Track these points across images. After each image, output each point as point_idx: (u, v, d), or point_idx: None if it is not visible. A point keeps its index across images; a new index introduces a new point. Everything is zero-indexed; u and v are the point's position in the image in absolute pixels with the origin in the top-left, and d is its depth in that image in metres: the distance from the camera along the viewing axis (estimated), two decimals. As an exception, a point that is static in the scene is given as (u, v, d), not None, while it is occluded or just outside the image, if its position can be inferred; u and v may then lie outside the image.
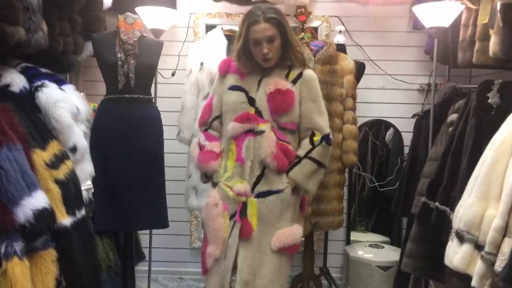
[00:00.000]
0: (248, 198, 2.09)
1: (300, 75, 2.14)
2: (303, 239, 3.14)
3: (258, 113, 2.11)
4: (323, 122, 2.15)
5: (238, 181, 2.11)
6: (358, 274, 3.26)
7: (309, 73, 2.17)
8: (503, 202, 1.56)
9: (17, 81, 2.09)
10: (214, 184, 2.21)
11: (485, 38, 2.28)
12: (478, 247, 1.65)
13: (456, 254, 1.74)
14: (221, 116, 2.22)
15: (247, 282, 2.05)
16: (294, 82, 2.13)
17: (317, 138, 2.12)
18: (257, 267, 2.06)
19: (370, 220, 3.93)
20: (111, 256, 2.44)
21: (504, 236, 1.55)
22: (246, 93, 2.14)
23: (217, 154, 2.19)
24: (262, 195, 2.09)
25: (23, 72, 2.17)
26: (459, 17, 2.62)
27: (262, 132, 2.09)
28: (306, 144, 2.14)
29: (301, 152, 2.13)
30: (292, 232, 2.10)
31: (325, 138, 2.14)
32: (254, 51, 2.09)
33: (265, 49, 2.05)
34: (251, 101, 2.13)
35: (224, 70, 2.23)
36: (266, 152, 2.07)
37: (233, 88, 2.17)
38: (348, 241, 3.58)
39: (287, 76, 2.14)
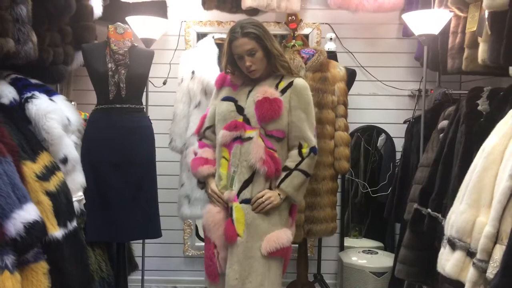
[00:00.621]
0: (233, 203, 2.11)
1: (290, 84, 2.17)
2: (297, 245, 3.15)
3: (246, 120, 2.15)
4: (311, 133, 2.20)
5: (229, 188, 2.15)
6: (352, 280, 3.26)
7: (300, 82, 2.19)
8: (494, 209, 1.56)
9: (6, 92, 2.09)
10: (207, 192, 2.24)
11: (474, 45, 2.30)
12: (470, 254, 1.65)
13: (448, 261, 1.74)
14: (214, 126, 2.27)
15: (236, 287, 2.07)
16: (283, 91, 2.16)
17: (305, 150, 2.16)
18: (245, 272, 2.07)
19: (363, 226, 3.94)
20: (104, 267, 2.42)
21: (495, 243, 1.55)
22: (235, 102, 2.19)
23: (205, 160, 2.24)
24: (248, 201, 2.11)
25: (13, 83, 2.16)
26: (448, 24, 2.64)
27: (249, 138, 2.12)
28: (295, 155, 2.17)
29: (290, 164, 2.16)
30: (279, 236, 2.11)
31: (313, 150, 2.19)
32: (240, 64, 2.17)
33: (247, 62, 2.12)
34: (240, 110, 2.17)
35: (220, 84, 2.32)
36: (255, 158, 2.09)
37: (225, 99, 2.24)
38: (341, 247, 3.59)
39: (277, 85, 2.18)
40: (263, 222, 2.11)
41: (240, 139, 2.13)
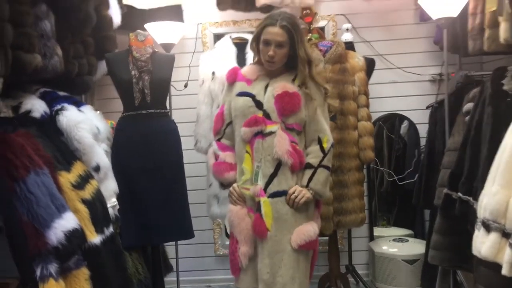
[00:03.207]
0: (261, 198, 2.14)
1: (305, 80, 2.19)
2: (327, 238, 3.17)
3: (266, 115, 2.16)
4: (328, 129, 2.23)
5: (254, 183, 2.17)
6: (384, 269, 3.26)
7: (314, 79, 2.21)
8: (528, 188, 1.56)
9: (37, 106, 2.14)
10: None
11: (495, 25, 2.28)
12: (506, 235, 1.65)
13: (483, 244, 1.73)
14: (232, 122, 2.28)
15: (267, 281, 2.11)
16: (300, 86, 2.18)
17: (326, 146, 2.19)
18: (275, 266, 2.11)
19: (391, 215, 3.93)
20: (141, 270, 2.48)
21: (531, 223, 1.55)
22: (253, 97, 2.20)
23: (230, 165, 2.26)
24: (276, 194, 2.13)
25: (42, 97, 2.21)
26: (466, 6, 2.62)
27: (271, 133, 2.14)
28: (316, 151, 2.19)
29: (314, 161, 2.18)
30: (307, 229, 2.14)
31: (332, 145, 2.23)
32: (262, 49, 2.17)
33: (272, 51, 2.12)
34: (259, 105, 2.18)
35: (232, 79, 2.30)
36: (282, 150, 2.11)
37: (241, 94, 2.24)
38: (371, 237, 3.59)
39: (293, 80, 2.20)
40: (291, 216, 2.14)
41: (261, 134, 2.15)
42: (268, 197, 2.14)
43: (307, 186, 2.16)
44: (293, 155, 2.12)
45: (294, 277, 2.12)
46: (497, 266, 1.66)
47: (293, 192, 2.13)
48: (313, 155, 2.19)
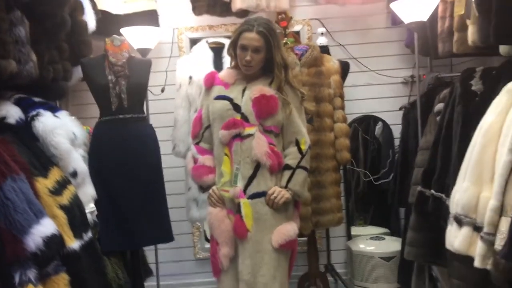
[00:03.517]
0: (241, 199, 2.17)
1: (282, 84, 2.24)
2: (305, 238, 3.21)
3: (244, 118, 2.20)
4: (305, 130, 2.29)
5: (233, 185, 2.20)
6: (362, 267, 3.33)
7: (290, 83, 2.26)
8: (497, 183, 1.62)
9: (12, 112, 2.11)
10: None
11: (463, 28, 2.35)
12: (477, 228, 1.70)
13: (456, 238, 1.79)
14: (210, 126, 2.31)
15: (248, 282, 2.14)
16: (277, 90, 2.22)
17: (304, 147, 2.24)
18: (256, 266, 2.14)
19: (368, 214, 4.00)
20: (120, 274, 2.47)
21: (500, 216, 1.60)
22: (231, 100, 2.23)
23: (209, 168, 2.29)
24: (255, 196, 2.17)
25: (17, 103, 2.19)
26: (436, 10, 2.70)
27: (249, 135, 2.18)
28: (295, 152, 2.24)
29: (292, 162, 2.23)
30: (287, 229, 2.19)
31: (309, 146, 2.29)
32: (239, 55, 2.21)
33: (249, 56, 2.17)
34: (237, 108, 2.22)
35: (209, 83, 2.34)
36: (260, 152, 2.15)
37: (219, 97, 2.27)
38: (349, 236, 3.65)
39: (270, 84, 2.25)
40: (271, 217, 2.18)
41: (240, 137, 2.18)
42: (248, 198, 2.17)
43: (286, 187, 2.20)
44: (272, 157, 2.16)
45: (275, 276, 2.15)
46: (470, 260, 1.71)
47: (273, 193, 2.17)
48: (291, 157, 2.23)
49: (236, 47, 2.21)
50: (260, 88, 2.21)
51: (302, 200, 2.38)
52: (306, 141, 2.26)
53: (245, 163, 2.17)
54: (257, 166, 2.17)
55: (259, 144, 2.16)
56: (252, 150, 2.16)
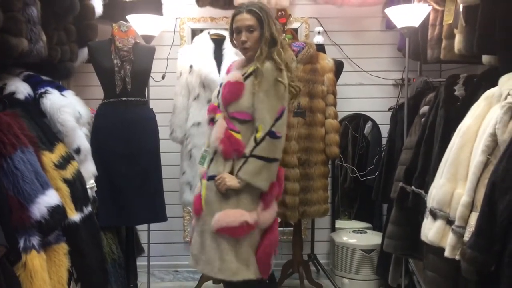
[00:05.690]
0: (203, 180, 2.29)
1: (256, 68, 2.18)
2: (292, 228, 3.35)
3: (218, 104, 2.31)
4: (269, 115, 2.14)
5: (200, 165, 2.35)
6: (344, 258, 3.47)
7: (266, 65, 2.17)
8: (469, 180, 1.76)
9: (21, 88, 2.21)
10: None
11: (451, 36, 2.49)
12: (449, 222, 1.84)
13: (430, 230, 1.93)
14: None
15: (195, 257, 2.26)
16: (249, 75, 2.20)
17: (259, 135, 2.15)
18: (202, 244, 2.23)
19: (352, 209, 4.13)
20: (115, 249, 2.58)
21: (471, 211, 1.74)
22: (220, 86, 2.33)
23: None
24: (210, 178, 2.24)
25: (26, 80, 2.28)
26: (427, 17, 2.83)
27: (217, 121, 2.28)
28: (251, 141, 2.18)
29: (246, 150, 2.18)
30: (228, 215, 2.15)
31: (269, 133, 2.15)
32: (236, 39, 2.28)
33: (244, 37, 2.21)
34: (219, 94, 2.32)
35: (227, 71, 2.43)
36: (214, 137, 2.23)
37: (220, 84, 2.38)
38: (333, 229, 3.79)
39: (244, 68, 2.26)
40: (216, 200, 2.20)
41: (212, 122, 2.31)
42: (207, 180, 2.26)
43: (237, 175, 2.19)
44: (224, 142, 2.17)
45: (215, 258, 2.18)
46: (442, 250, 1.84)
47: (218, 179, 2.19)
48: (248, 145, 2.18)
49: (233, 33, 2.28)
50: (233, 74, 2.24)
51: (263, 190, 2.20)
52: (264, 128, 2.13)
53: (211, 147, 2.26)
54: (216, 151, 2.23)
55: (216, 130, 2.23)
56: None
